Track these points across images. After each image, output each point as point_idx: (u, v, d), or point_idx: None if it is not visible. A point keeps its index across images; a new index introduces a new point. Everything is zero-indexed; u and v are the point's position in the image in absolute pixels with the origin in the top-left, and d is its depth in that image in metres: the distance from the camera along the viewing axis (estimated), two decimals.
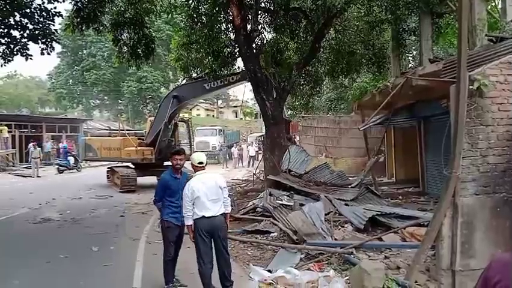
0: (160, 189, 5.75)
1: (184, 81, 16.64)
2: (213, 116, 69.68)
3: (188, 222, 5.20)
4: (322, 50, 14.15)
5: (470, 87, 5.05)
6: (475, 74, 5.17)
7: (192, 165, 5.34)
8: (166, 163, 14.81)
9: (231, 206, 6.13)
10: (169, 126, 16.28)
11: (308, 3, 13.06)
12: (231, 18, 12.51)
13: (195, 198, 5.08)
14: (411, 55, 23.06)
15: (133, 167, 17.17)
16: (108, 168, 19.03)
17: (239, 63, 14.13)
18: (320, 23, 12.51)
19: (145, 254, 7.47)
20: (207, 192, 5.13)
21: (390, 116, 11.88)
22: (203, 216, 5.09)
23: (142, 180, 16.72)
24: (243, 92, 35.89)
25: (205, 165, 5.37)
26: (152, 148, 16.30)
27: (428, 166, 12.13)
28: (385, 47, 15.08)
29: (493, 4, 16.15)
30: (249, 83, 13.65)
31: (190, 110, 54.86)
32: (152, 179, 16.54)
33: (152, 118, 17.86)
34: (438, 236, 5.29)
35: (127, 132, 21.46)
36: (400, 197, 11.61)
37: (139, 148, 16.60)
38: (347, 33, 14.06)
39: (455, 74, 5.62)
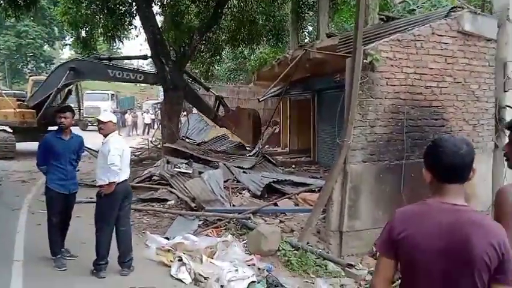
0: (42, 152, 5.15)
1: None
2: None
3: (119, 178, 4.74)
4: (224, 16, 13.93)
5: (364, 60, 5.37)
6: (369, 49, 5.50)
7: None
8: (50, 128, 13.43)
9: None
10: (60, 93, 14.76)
11: None
12: None
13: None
14: (307, 30, 23.96)
15: (11, 131, 15.36)
16: None
17: (137, 22, 13.28)
18: None
19: (27, 224, 6.78)
20: (127, 155, 5.04)
21: (287, 88, 12.29)
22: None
23: (22, 146, 15.08)
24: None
25: None
26: (34, 111, 14.68)
27: (320, 137, 12.86)
28: (285, 19, 15.41)
29: None
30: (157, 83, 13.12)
31: None
32: (34, 145, 14.94)
33: (35, 77, 16.00)
34: (329, 201, 5.66)
35: (4, 92, 19.00)
36: (293, 166, 12.17)
37: (18, 110, 14.83)
38: (249, 2, 14.03)
39: (350, 49, 5.93)
